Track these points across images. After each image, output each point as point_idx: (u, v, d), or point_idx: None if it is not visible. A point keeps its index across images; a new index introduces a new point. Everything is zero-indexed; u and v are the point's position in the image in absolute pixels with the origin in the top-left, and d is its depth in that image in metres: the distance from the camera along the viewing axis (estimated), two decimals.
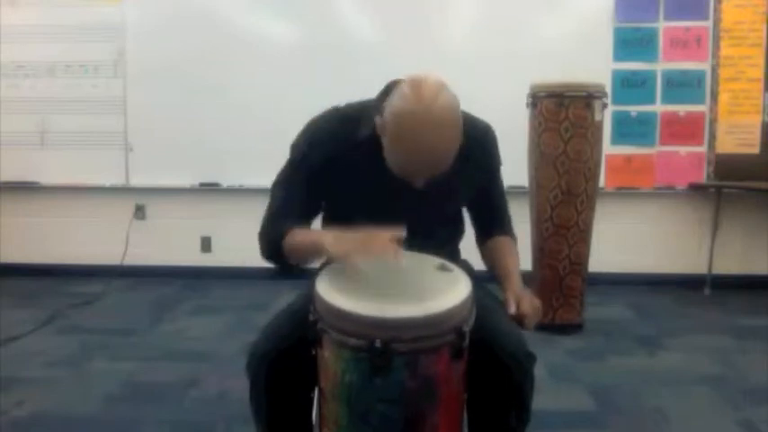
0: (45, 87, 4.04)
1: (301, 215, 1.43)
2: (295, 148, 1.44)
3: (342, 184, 1.40)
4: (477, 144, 1.41)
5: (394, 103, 1.24)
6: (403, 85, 1.25)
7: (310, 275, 1.28)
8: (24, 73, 4.05)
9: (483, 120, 1.49)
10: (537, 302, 1.37)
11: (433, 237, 1.40)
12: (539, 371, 1.33)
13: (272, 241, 1.41)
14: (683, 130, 3.88)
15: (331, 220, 1.50)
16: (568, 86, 3.00)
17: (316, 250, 1.29)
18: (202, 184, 4.08)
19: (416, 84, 1.22)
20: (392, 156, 1.27)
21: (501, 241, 1.55)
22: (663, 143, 3.90)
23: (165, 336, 3.10)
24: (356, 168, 1.37)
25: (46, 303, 3.53)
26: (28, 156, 4.08)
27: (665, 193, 3.96)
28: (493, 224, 1.57)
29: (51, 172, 4.10)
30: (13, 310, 3.46)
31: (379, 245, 1.18)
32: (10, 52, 4.02)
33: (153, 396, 2.38)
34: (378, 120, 1.27)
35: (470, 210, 1.58)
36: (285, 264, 1.40)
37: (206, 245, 4.21)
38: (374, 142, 1.31)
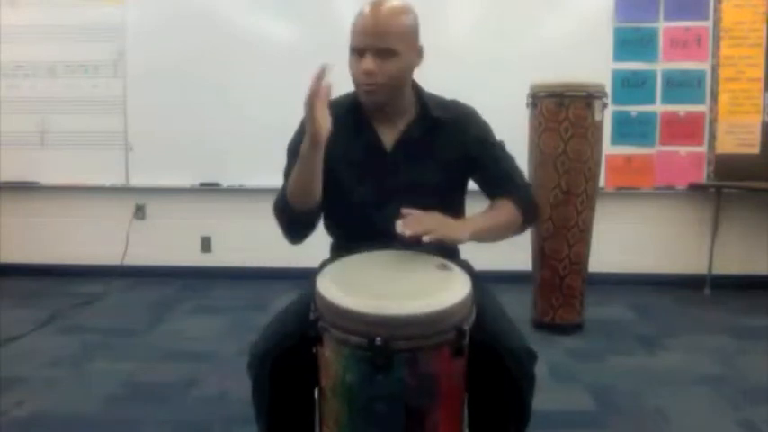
0: (45, 87, 4.04)
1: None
2: (292, 138, 1.53)
3: (329, 158, 1.42)
4: (457, 122, 1.52)
5: None
6: None
7: (311, 275, 1.29)
8: (24, 73, 4.05)
9: (469, 105, 1.59)
10: (427, 222, 1.29)
11: (420, 204, 1.37)
12: (539, 371, 1.33)
13: (280, 206, 1.45)
14: (683, 130, 3.88)
15: (327, 196, 1.50)
16: (568, 86, 3.00)
17: (301, 164, 1.34)
18: (202, 184, 4.08)
19: None
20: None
21: (495, 202, 1.53)
22: (663, 143, 3.89)
23: (165, 336, 3.10)
24: (342, 139, 1.43)
25: (46, 303, 3.53)
26: (28, 156, 4.08)
27: (665, 193, 3.96)
28: (495, 189, 1.55)
29: (51, 172, 4.10)
30: (13, 310, 3.46)
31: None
32: (10, 52, 4.02)
33: (153, 396, 2.38)
34: None
35: (477, 183, 1.59)
36: (302, 225, 1.45)
37: (206, 245, 4.21)
38: (354, 111, 1.48)
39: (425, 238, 1.25)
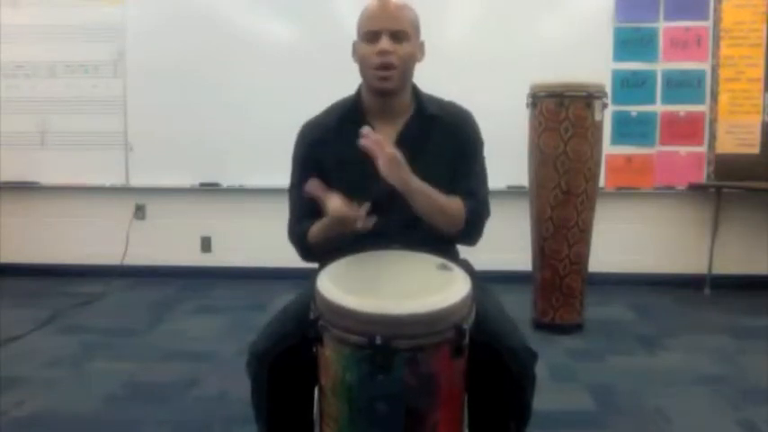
0: (45, 87, 4.05)
1: (316, 210, 1.44)
2: (293, 150, 1.58)
3: (332, 161, 1.47)
4: (454, 119, 1.55)
5: None
6: None
7: (310, 275, 1.29)
8: (24, 73, 4.05)
9: (467, 108, 1.60)
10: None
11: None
12: (539, 371, 1.33)
13: (299, 246, 1.52)
14: (683, 130, 3.88)
15: None
16: (568, 86, 3.00)
17: (331, 226, 1.37)
18: (202, 184, 4.08)
19: None
20: (359, 34, 1.48)
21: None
22: (663, 143, 3.89)
23: (165, 336, 3.10)
24: (340, 139, 1.46)
25: (46, 303, 3.53)
26: (28, 156, 4.08)
27: (664, 193, 3.96)
28: (455, 192, 1.49)
29: (51, 172, 4.10)
30: (13, 310, 3.46)
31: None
32: (10, 52, 4.02)
33: (153, 396, 2.38)
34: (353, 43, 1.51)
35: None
36: (325, 256, 1.43)
37: (206, 245, 4.21)
38: (353, 111, 1.51)
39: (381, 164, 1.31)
